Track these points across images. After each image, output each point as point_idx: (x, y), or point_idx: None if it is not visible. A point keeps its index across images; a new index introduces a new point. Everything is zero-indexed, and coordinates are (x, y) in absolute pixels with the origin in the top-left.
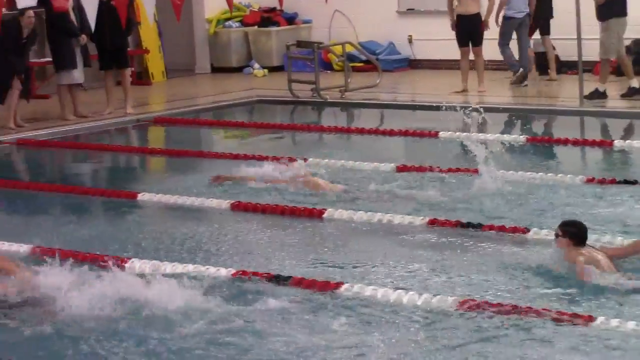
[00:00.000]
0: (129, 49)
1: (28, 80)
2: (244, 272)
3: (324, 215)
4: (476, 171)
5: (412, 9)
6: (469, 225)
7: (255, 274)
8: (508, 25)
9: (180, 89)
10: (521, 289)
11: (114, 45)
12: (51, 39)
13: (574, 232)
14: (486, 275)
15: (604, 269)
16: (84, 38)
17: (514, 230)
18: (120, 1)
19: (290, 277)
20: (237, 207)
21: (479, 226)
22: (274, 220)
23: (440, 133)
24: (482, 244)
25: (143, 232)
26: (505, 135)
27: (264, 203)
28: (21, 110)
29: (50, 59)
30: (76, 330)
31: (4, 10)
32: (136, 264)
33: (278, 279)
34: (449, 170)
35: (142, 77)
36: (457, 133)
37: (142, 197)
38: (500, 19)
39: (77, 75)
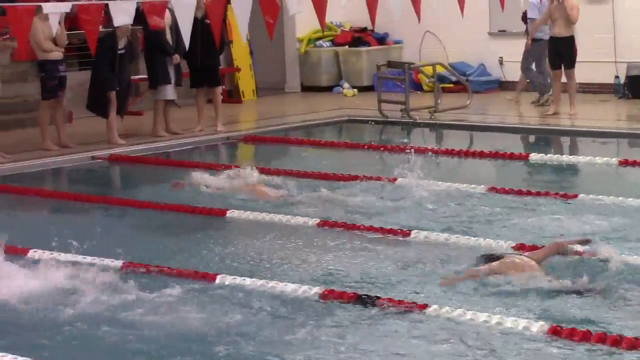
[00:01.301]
0: (220, 67)
1: (126, 96)
2: (331, 292)
3: (411, 236)
4: (575, 196)
5: (504, 31)
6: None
7: (342, 294)
8: (539, 47)
9: (270, 107)
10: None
11: (206, 63)
12: (147, 56)
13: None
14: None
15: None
16: (177, 58)
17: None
18: (215, 20)
19: (376, 297)
20: (324, 224)
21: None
22: (361, 239)
23: (531, 155)
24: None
25: (231, 249)
26: (597, 158)
27: (351, 223)
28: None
29: (143, 76)
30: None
31: (100, 27)
32: (225, 280)
33: (365, 300)
34: (538, 193)
35: (233, 95)
36: (549, 155)
37: (231, 214)
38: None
39: (171, 92)
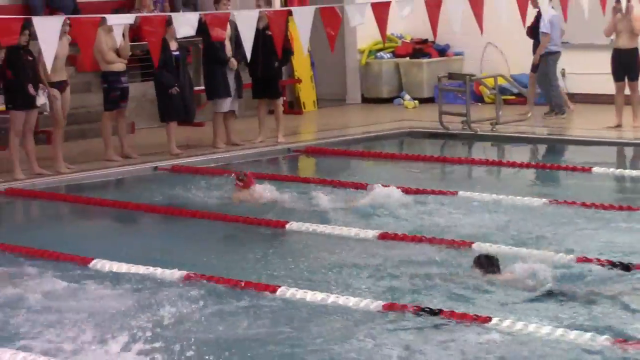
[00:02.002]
0: (282, 79)
1: (192, 100)
2: (393, 305)
3: (473, 246)
4: (638, 209)
5: (566, 42)
6: (619, 265)
7: (404, 306)
8: (554, 61)
9: (331, 118)
10: None
11: (267, 74)
12: (205, 68)
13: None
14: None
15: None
16: (233, 62)
17: None
18: (277, 31)
19: (439, 309)
20: (385, 237)
21: (626, 267)
22: (419, 250)
23: (594, 168)
24: (634, 284)
25: (291, 261)
26: None
27: (411, 235)
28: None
29: (203, 88)
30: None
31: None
32: (285, 292)
33: (427, 312)
34: (602, 206)
35: (294, 107)
36: (612, 169)
37: (291, 226)
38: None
39: (229, 103)
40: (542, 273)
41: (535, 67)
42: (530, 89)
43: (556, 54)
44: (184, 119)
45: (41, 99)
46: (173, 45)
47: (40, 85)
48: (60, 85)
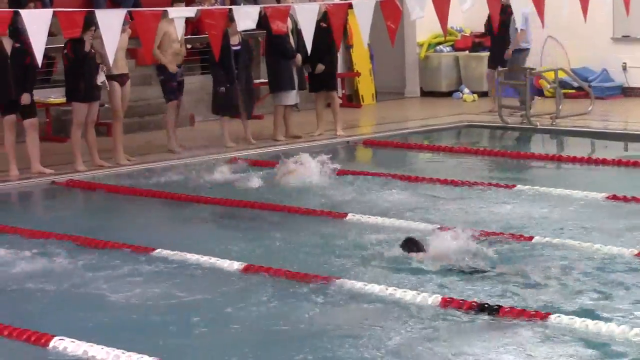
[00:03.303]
0: (337, 71)
1: (250, 96)
2: (451, 300)
3: (534, 240)
4: None
5: (628, 36)
6: None
7: (462, 302)
8: (524, 58)
9: (389, 112)
10: None
11: (323, 68)
12: (268, 61)
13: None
14: None
15: None
16: (299, 58)
17: None
18: (337, 24)
19: (498, 305)
20: (442, 230)
21: None
22: (480, 245)
23: None
24: None
25: (348, 252)
26: None
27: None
28: (233, 128)
29: (264, 80)
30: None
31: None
32: (344, 284)
33: (486, 308)
34: None
35: (353, 100)
36: None
37: (351, 217)
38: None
39: (293, 96)
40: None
41: (502, 63)
42: (490, 84)
43: (526, 50)
44: (234, 115)
45: (101, 77)
46: (234, 40)
47: (100, 65)
48: (121, 79)
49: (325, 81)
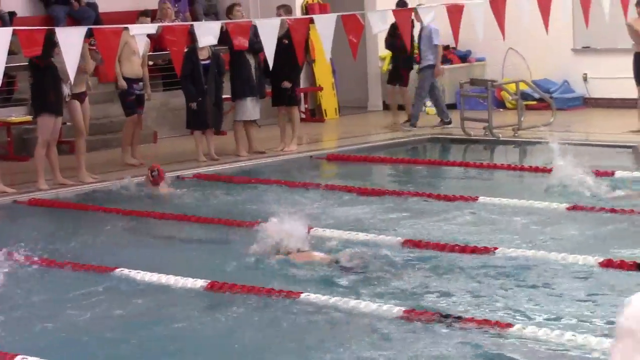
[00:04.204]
0: (299, 87)
1: (219, 110)
2: (413, 311)
3: (497, 252)
4: None
5: (588, 47)
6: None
7: (423, 313)
8: (431, 74)
9: (352, 126)
10: None
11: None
12: (231, 74)
13: None
14: None
15: None
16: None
17: None
18: (298, 40)
19: (459, 316)
20: (408, 243)
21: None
22: (445, 258)
23: (617, 172)
24: None
25: (310, 267)
26: None
27: (435, 242)
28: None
29: (227, 96)
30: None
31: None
32: (309, 297)
33: (447, 319)
34: (623, 211)
35: (316, 114)
36: (635, 173)
37: (314, 232)
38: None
39: (252, 110)
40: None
41: (402, 81)
42: (390, 100)
43: (433, 67)
44: (206, 129)
45: (65, 90)
46: (203, 55)
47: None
48: (79, 97)
49: (285, 96)
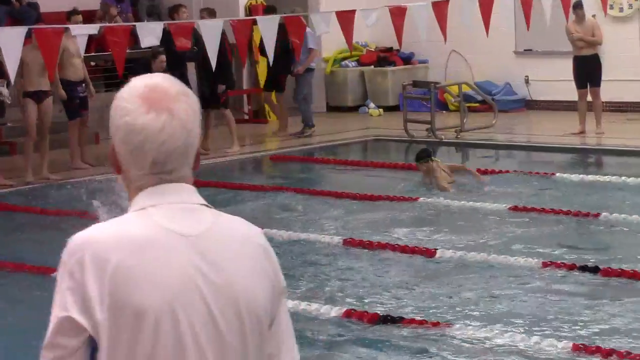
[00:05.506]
0: (246, 88)
1: None
2: (352, 312)
3: (438, 254)
4: (598, 215)
5: (530, 50)
6: (585, 268)
7: (363, 314)
8: (312, 77)
9: (296, 127)
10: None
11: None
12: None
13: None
14: (601, 319)
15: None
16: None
17: (634, 275)
18: (241, 41)
19: (400, 317)
20: (349, 243)
21: (595, 270)
22: (385, 258)
23: (557, 174)
24: (599, 288)
25: None
26: (623, 178)
27: (376, 242)
28: None
29: None
30: None
31: (128, 50)
32: None
33: (387, 320)
34: (561, 211)
35: (259, 116)
36: (574, 175)
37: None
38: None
39: None
40: None
41: (279, 87)
42: (271, 107)
43: (314, 70)
44: None
45: (4, 91)
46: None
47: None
48: (36, 96)
49: (214, 98)
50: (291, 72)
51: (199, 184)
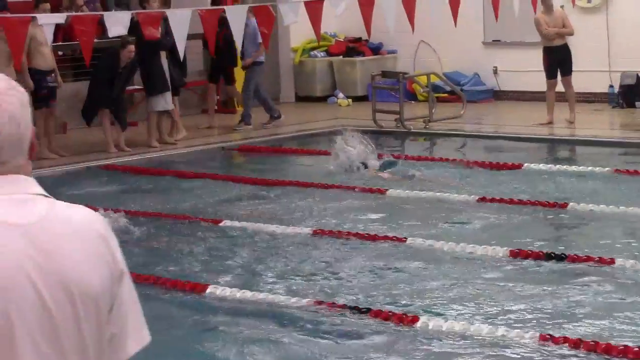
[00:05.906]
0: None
1: (122, 109)
2: (322, 302)
3: (407, 243)
4: (565, 205)
5: (498, 40)
6: (551, 256)
7: (333, 304)
8: (262, 71)
9: (264, 117)
10: (607, 325)
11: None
12: (142, 67)
13: None
14: (568, 308)
15: None
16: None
17: (600, 261)
18: (209, 31)
19: (369, 308)
20: (319, 232)
21: (562, 257)
22: (355, 248)
23: (525, 165)
24: (566, 276)
25: (222, 258)
26: (590, 168)
27: (345, 230)
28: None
29: (138, 87)
30: None
31: (97, 40)
32: (216, 291)
33: (356, 310)
34: (529, 202)
35: (228, 105)
36: (542, 165)
37: (225, 223)
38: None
39: (164, 103)
40: None
41: (229, 79)
42: (210, 100)
43: (263, 64)
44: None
45: None
46: (123, 64)
47: None
48: None
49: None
50: (237, 65)
51: (154, 173)
